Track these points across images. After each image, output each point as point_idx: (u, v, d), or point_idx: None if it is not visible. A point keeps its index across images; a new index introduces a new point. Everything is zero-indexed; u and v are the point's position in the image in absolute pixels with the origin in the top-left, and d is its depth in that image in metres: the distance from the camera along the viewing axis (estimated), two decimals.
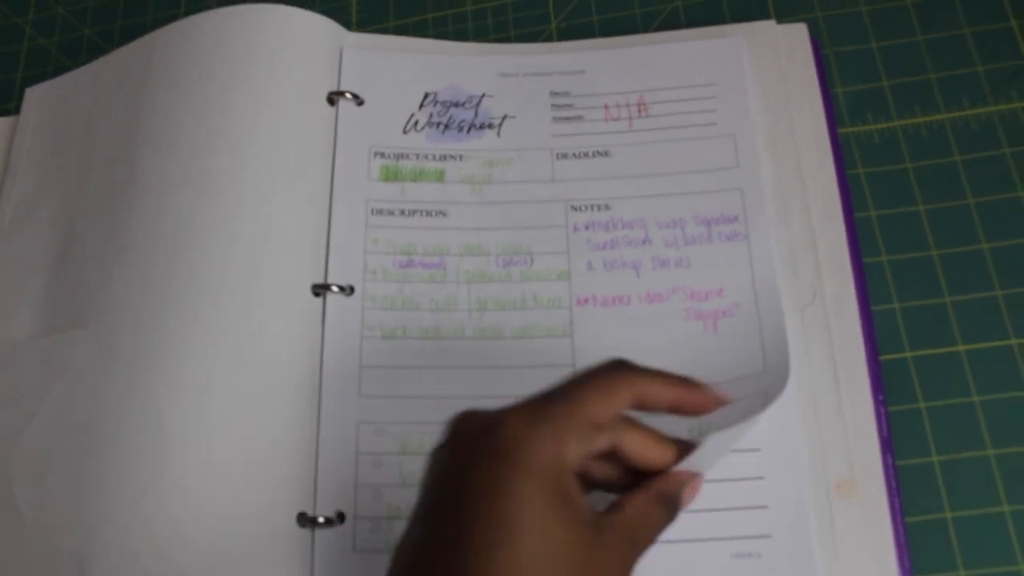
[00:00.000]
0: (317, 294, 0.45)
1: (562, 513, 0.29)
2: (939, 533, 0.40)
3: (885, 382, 0.43)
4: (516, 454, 0.29)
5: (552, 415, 0.30)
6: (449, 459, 0.31)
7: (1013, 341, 0.43)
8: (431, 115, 0.50)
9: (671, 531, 0.39)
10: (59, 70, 0.59)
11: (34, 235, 0.50)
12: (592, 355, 0.43)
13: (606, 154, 0.48)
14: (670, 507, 0.33)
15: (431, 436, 0.41)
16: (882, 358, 0.43)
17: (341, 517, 0.41)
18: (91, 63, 0.55)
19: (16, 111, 0.58)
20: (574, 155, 0.48)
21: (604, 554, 0.30)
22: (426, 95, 0.50)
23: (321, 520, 0.41)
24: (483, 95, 0.50)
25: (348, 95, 0.49)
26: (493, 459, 0.29)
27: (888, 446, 0.41)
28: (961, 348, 0.43)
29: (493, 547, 0.28)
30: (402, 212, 0.47)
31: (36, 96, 0.55)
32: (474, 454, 0.30)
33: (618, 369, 0.33)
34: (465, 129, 0.49)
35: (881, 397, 0.42)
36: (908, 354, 0.44)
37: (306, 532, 0.41)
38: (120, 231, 0.46)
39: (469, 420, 0.31)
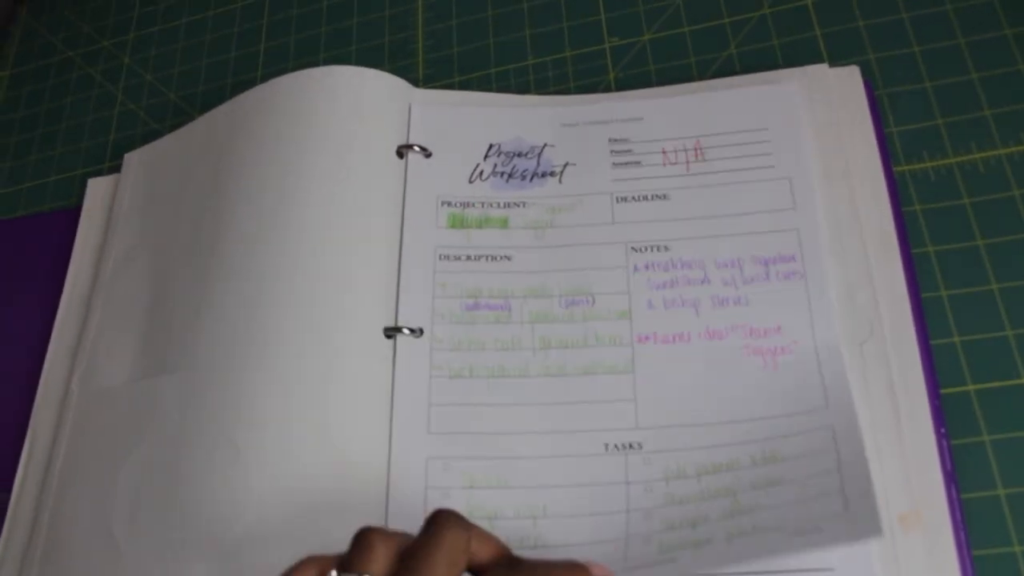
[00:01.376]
0: (389, 336, 0.47)
1: None
2: (1007, 567, 0.40)
3: (947, 415, 0.43)
4: None
5: None
6: None
7: None
8: (495, 165, 0.52)
9: (733, 561, 0.40)
10: (148, 133, 0.63)
11: (131, 287, 0.53)
12: (653, 390, 0.44)
13: (664, 197, 0.49)
14: None
15: (497, 470, 0.43)
16: (943, 391, 0.44)
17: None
18: (182, 128, 0.59)
19: (110, 171, 0.62)
20: (633, 199, 0.50)
21: None
22: (491, 146, 0.52)
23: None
24: (545, 145, 0.52)
25: (416, 148, 0.52)
26: None
27: (952, 479, 0.41)
28: None
29: None
30: (468, 257, 0.49)
31: (134, 159, 0.60)
32: None
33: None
34: (528, 177, 0.51)
35: (943, 430, 0.42)
36: (970, 387, 0.44)
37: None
38: (206, 282, 0.49)
39: None
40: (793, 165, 0.49)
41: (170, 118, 0.65)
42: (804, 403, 0.43)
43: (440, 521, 0.33)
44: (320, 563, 0.32)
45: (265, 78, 0.64)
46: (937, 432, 0.42)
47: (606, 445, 0.44)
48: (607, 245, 0.49)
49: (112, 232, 0.57)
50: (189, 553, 0.43)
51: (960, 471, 0.42)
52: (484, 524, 0.34)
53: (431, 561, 0.31)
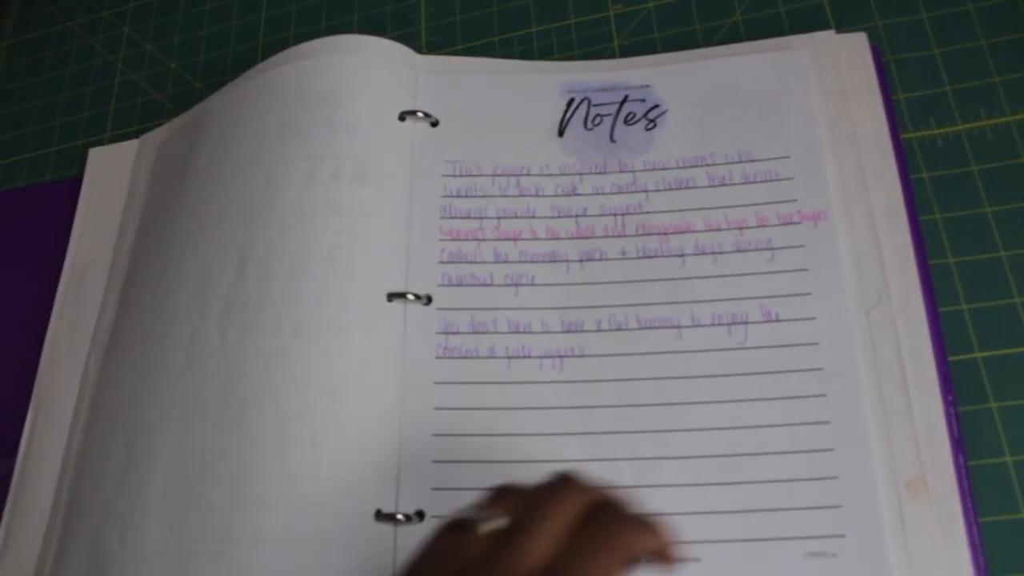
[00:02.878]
0: (391, 301, 0.47)
1: None
2: (1015, 533, 0.40)
3: (955, 383, 0.43)
4: None
5: None
6: None
7: None
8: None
9: (745, 530, 0.40)
10: (148, 102, 0.63)
11: (148, 268, 0.53)
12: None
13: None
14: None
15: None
16: (951, 359, 0.44)
17: (420, 515, 0.43)
18: (195, 107, 0.59)
19: (111, 141, 0.62)
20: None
21: None
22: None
23: (400, 517, 0.42)
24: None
25: (420, 114, 0.51)
26: None
27: (959, 446, 0.41)
28: None
29: None
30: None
31: (149, 140, 0.60)
32: None
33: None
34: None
35: (951, 397, 0.42)
36: (978, 355, 0.44)
37: (387, 527, 0.42)
38: (218, 249, 0.49)
39: None
40: (802, 132, 0.48)
41: (171, 88, 0.64)
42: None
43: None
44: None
45: (266, 47, 0.64)
46: (945, 399, 0.42)
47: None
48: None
49: (128, 214, 0.57)
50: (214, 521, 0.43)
51: (967, 438, 0.42)
52: None
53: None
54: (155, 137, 0.60)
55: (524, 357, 0.46)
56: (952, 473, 0.41)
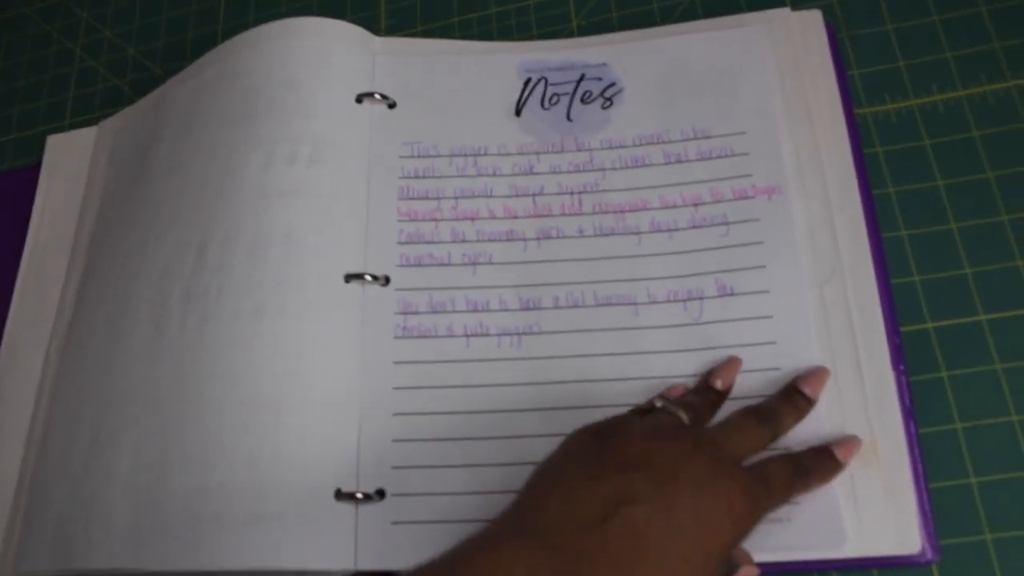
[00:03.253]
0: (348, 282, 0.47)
1: None
2: (964, 498, 0.41)
3: (907, 353, 0.44)
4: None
5: None
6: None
7: None
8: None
9: None
10: (108, 89, 0.63)
11: (106, 257, 0.53)
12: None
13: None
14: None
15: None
16: (903, 329, 0.44)
17: (381, 494, 0.43)
18: (153, 92, 0.58)
19: (71, 127, 0.62)
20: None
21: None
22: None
23: (360, 496, 0.43)
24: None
25: (378, 96, 0.51)
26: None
27: (910, 414, 0.42)
28: (982, 318, 0.44)
29: None
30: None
31: (107, 127, 0.59)
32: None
33: None
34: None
35: (902, 367, 0.43)
36: (929, 325, 0.44)
37: (348, 506, 0.43)
38: (175, 234, 0.49)
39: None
40: (757, 108, 0.49)
41: (130, 73, 0.64)
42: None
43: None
44: None
45: (226, 31, 0.63)
46: (896, 369, 0.43)
47: None
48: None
49: (87, 201, 0.57)
50: (176, 503, 0.43)
51: (919, 406, 0.43)
52: None
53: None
54: (114, 123, 0.59)
55: (482, 335, 0.46)
56: (903, 441, 0.41)
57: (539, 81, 0.52)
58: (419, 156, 0.50)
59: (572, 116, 0.51)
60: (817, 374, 0.42)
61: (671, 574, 0.33)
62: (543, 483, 0.37)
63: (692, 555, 0.34)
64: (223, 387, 0.45)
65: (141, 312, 0.48)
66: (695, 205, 0.47)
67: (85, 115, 0.63)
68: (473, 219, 0.49)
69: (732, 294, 0.45)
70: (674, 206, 0.47)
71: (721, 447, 0.38)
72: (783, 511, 0.40)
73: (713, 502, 0.35)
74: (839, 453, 0.40)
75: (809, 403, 0.42)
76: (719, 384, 0.42)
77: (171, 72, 0.61)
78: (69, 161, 0.60)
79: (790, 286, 0.44)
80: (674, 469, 0.35)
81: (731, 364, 0.43)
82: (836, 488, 0.40)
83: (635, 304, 0.45)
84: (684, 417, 0.39)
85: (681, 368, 0.44)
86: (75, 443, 0.47)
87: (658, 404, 0.40)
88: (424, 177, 0.50)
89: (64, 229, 0.57)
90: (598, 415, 0.40)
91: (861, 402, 0.42)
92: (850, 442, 0.41)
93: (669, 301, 0.45)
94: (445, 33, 0.58)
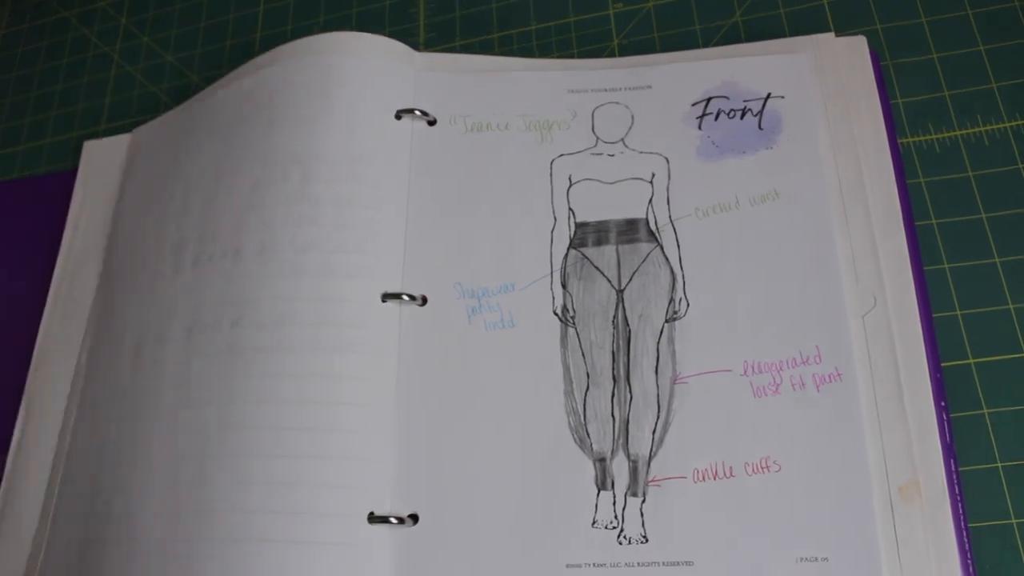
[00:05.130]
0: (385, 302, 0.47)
1: None
2: (1003, 539, 0.41)
3: (948, 388, 0.43)
4: None
5: None
6: None
7: None
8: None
9: (736, 533, 0.40)
10: (145, 95, 0.63)
11: (137, 266, 0.53)
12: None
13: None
14: None
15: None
16: (944, 364, 0.44)
17: (415, 518, 0.43)
18: (188, 101, 0.58)
19: (106, 133, 0.62)
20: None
21: None
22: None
23: (394, 520, 0.43)
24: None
25: (418, 112, 0.51)
26: None
27: (951, 452, 0.41)
28: None
29: None
30: None
31: (142, 134, 0.59)
32: None
33: None
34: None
35: (944, 403, 0.42)
36: (971, 361, 0.44)
37: (381, 529, 0.43)
38: (212, 248, 0.49)
39: None
40: (804, 135, 0.48)
41: (167, 80, 0.64)
42: None
43: None
44: None
45: (264, 40, 0.63)
46: (937, 405, 0.42)
47: None
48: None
49: (119, 209, 0.57)
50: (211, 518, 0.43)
51: (959, 443, 0.42)
52: None
53: None
54: (149, 130, 0.59)
55: None
56: (943, 478, 0.41)
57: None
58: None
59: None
60: None
61: None
62: None
63: None
64: (259, 411, 0.44)
65: (174, 327, 0.48)
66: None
67: (121, 120, 0.63)
68: None
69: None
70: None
71: None
72: (820, 549, 0.39)
73: None
74: None
75: None
76: None
77: (208, 80, 0.61)
78: (105, 167, 0.60)
79: (832, 316, 0.44)
80: None
81: None
82: (876, 525, 0.40)
83: None
84: None
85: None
86: (104, 456, 0.47)
87: None
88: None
89: (99, 235, 0.57)
90: None
91: (904, 437, 0.41)
92: None
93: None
94: (485, 48, 0.58)
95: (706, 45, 0.54)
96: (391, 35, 0.57)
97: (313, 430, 0.44)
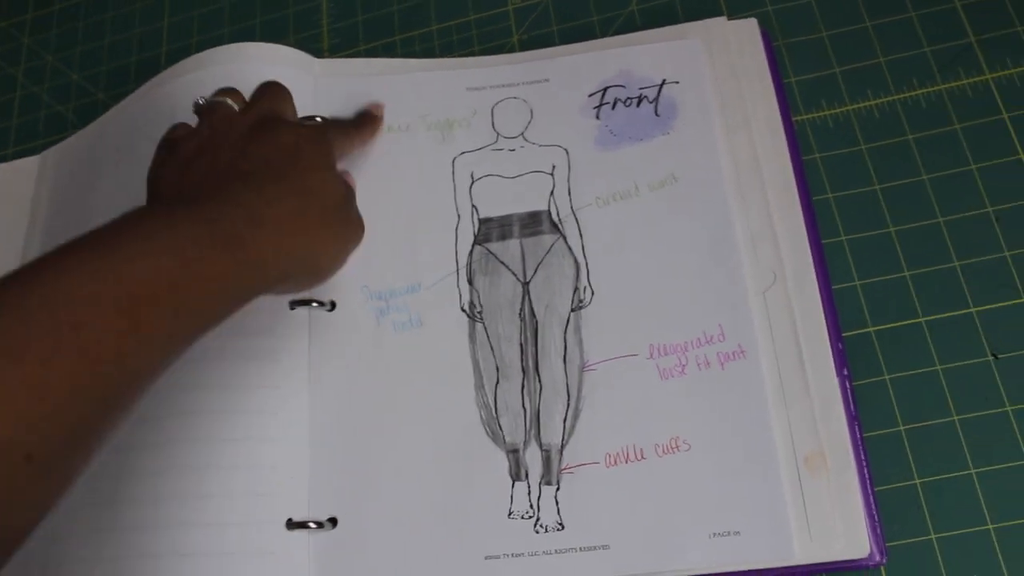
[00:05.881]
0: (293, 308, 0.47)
1: None
2: (910, 500, 0.42)
3: (850, 357, 0.44)
4: None
5: None
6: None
7: (972, 309, 0.44)
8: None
9: (650, 514, 0.41)
10: (52, 115, 0.62)
11: None
12: None
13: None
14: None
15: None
16: (846, 334, 0.45)
17: (333, 522, 0.43)
18: (95, 122, 0.58)
19: (15, 156, 0.61)
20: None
21: None
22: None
23: (312, 525, 0.43)
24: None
25: (319, 119, 0.51)
26: None
27: (855, 419, 0.42)
28: (922, 320, 0.45)
29: None
30: None
31: (49, 158, 0.59)
32: None
33: None
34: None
35: (846, 372, 0.43)
36: (871, 329, 0.45)
37: (299, 535, 0.43)
38: None
39: None
40: (699, 119, 0.49)
41: (74, 100, 0.63)
42: None
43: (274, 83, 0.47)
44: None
45: (169, 54, 0.63)
46: (840, 374, 0.43)
47: None
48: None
49: (31, 232, 0.56)
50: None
51: (863, 410, 0.43)
52: None
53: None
54: (57, 153, 0.59)
55: None
56: (849, 446, 0.42)
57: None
58: None
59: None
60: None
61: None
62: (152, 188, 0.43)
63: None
64: (173, 425, 0.44)
65: None
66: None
67: (30, 143, 0.63)
68: None
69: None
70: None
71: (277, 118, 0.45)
72: (732, 524, 0.40)
73: (288, 138, 0.43)
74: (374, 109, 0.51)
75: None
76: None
77: (115, 97, 0.60)
78: (13, 192, 0.59)
79: (734, 294, 0.45)
80: (238, 134, 0.43)
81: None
82: (784, 496, 0.41)
83: None
84: (232, 103, 0.45)
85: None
86: None
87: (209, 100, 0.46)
88: None
89: (7, 262, 0.56)
90: None
91: (808, 410, 0.42)
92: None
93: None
94: (388, 51, 0.58)
95: (604, 35, 0.55)
96: (296, 42, 0.57)
97: (227, 440, 0.44)
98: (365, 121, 0.51)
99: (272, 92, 0.46)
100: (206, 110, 0.45)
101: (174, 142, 0.44)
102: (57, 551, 0.44)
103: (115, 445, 0.44)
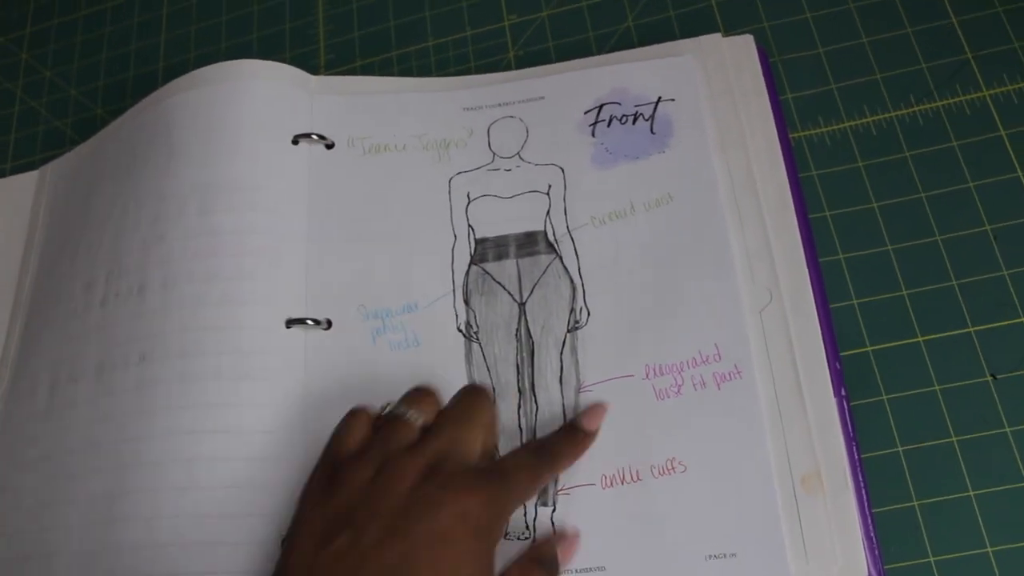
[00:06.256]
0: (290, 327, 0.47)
1: None
2: (908, 522, 0.41)
3: (847, 376, 0.44)
4: None
5: None
6: None
7: (971, 328, 0.44)
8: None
9: (646, 536, 0.41)
10: (50, 131, 0.62)
11: (50, 301, 0.53)
12: None
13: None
14: (547, 568, 0.40)
15: None
16: (843, 353, 0.45)
17: None
18: (94, 137, 0.58)
19: (13, 172, 0.61)
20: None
21: None
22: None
23: None
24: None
25: (315, 136, 0.51)
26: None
27: (852, 440, 0.42)
28: (920, 339, 0.45)
29: None
30: None
31: (48, 171, 0.59)
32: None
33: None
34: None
35: (844, 392, 0.43)
36: (869, 348, 0.45)
37: None
38: (117, 284, 0.49)
39: None
40: (694, 137, 0.49)
41: (72, 115, 0.63)
42: None
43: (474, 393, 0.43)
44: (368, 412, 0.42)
45: (167, 69, 0.63)
46: (837, 394, 0.43)
47: None
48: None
49: (29, 247, 0.56)
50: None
51: (860, 430, 0.43)
52: None
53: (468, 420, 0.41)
54: (55, 168, 0.59)
55: None
56: (846, 467, 0.41)
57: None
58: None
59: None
60: (594, 408, 0.43)
61: None
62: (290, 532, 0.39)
63: None
64: (167, 446, 0.44)
65: (85, 365, 0.48)
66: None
67: (27, 157, 0.63)
68: None
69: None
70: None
71: (453, 461, 0.39)
72: (727, 545, 0.40)
73: (446, 521, 0.37)
74: (585, 423, 0.43)
75: (588, 436, 0.43)
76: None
77: (113, 113, 0.60)
78: (11, 207, 0.59)
79: (729, 313, 0.45)
80: (396, 500, 0.37)
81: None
82: (780, 517, 0.41)
83: None
84: (416, 417, 0.41)
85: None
86: (22, 499, 0.47)
87: (392, 411, 0.42)
88: None
89: (6, 276, 0.56)
90: None
91: (804, 428, 0.42)
92: (593, 410, 0.43)
93: None
94: (384, 67, 0.58)
95: (600, 51, 0.55)
96: (292, 59, 0.57)
97: (222, 460, 0.44)
98: (579, 440, 0.43)
99: (457, 416, 0.42)
100: (386, 422, 0.41)
101: (340, 462, 0.40)
102: (53, 572, 0.44)
103: (112, 466, 0.44)
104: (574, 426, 0.43)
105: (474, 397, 0.42)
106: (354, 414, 0.42)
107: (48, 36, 0.68)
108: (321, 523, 0.38)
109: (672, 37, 0.53)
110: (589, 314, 0.46)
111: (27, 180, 0.60)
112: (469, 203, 0.49)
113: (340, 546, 0.36)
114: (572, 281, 0.47)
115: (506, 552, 0.42)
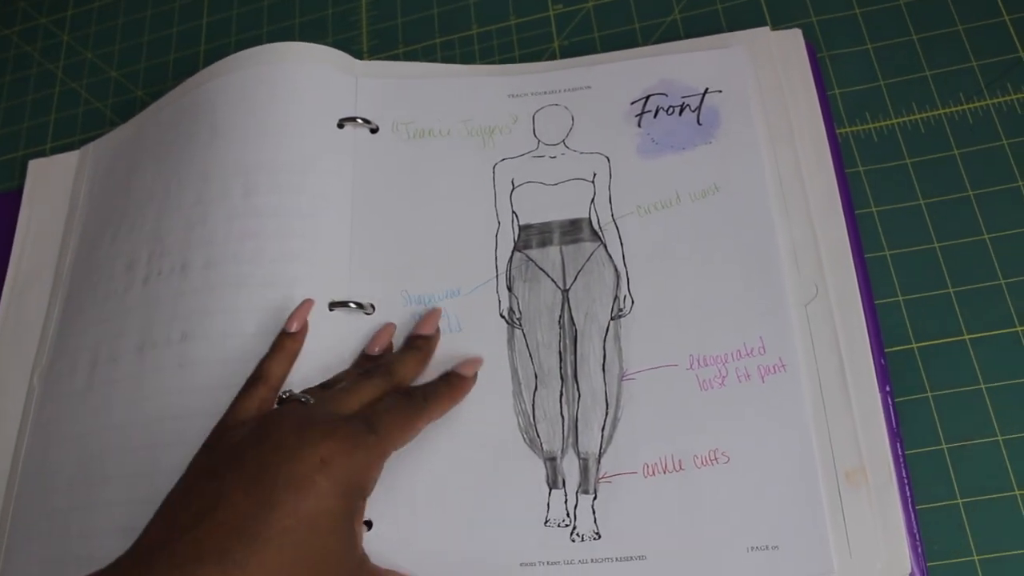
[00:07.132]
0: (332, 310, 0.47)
1: None
2: (951, 519, 0.41)
3: (892, 373, 0.44)
4: None
5: None
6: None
7: (1018, 328, 0.44)
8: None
9: (688, 526, 0.40)
10: (90, 111, 0.62)
11: (91, 282, 0.53)
12: None
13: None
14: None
15: None
16: (888, 350, 0.44)
17: (368, 524, 0.43)
18: (135, 117, 0.58)
19: (52, 152, 0.61)
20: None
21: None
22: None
23: None
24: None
25: (360, 120, 0.51)
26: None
27: (897, 436, 0.42)
28: (966, 337, 0.44)
29: None
30: None
31: (90, 151, 0.59)
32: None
33: None
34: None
35: (888, 388, 0.43)
36: (914, 345, 0.45)
37: None
38: (162, 264, 0.49)
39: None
40: (742, 129, 0.49)
41: (112, 96, 0.64)
42: None
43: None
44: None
45: (207, 53, 0.63)
46: (882, 390, 0.43)
47: None
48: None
49: (69, 227, 0.57)
50: None
51: (904, 427, 0.43)
52: None
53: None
54: (96, 148, 0.59)
55: None
56: (890, 462, 0.41)
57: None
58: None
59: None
60: (427, 316, 0.46)
61: (280, 547, 0.35)
62: (164, 502, 0.39)
63: (293, 525, 0.35)
64: (208, 424, 0.44)
65: (126, 343, 0.48)
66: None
67: (67, 138, 0.63)
68: None
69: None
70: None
71: (319, 408, 0.40)
72: (767, 537, 0.40)
73: (300, 466, 0.36)
74: (462, 368, 0.44)
75: (464, 380, 0.44)
76: (375, 350, 0.45)
77: (153, 95, 0.61)
78: (51, 186, 0.59)
79: (775, 307, 0.44)
80: (259, 453, 0.37)
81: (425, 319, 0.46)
82: (824, 511, 0.40)
83: None
84: (304, 398, 0.41)
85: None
86: (59, 476, 0.47)
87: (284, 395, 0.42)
88: None
89: (47, 255, 0.56)
90: None
91: (849, 423, 0.42)
92: (471, 360, 0.45)
93: None
94: (427, 53, 0.58)
95: (645, 43, 0.54)
96: (335, 43, 0.57)
97: None
98: (455, 383, 0.44)
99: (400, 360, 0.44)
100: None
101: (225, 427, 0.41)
102: (93, 547, 0.44)
103: (153, 443, 0.44)
104: (450, 372, 0.44)
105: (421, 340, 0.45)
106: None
107: (90, 18, 0.68)
108: (192, 478, 0.39)
109: (718, 30, 0.53)
110: (633, 302, 0.46)
111: (68, 160, 0.60)
112: (513, 189, 0.49)
113: (205, 493, 0.37)
114: (616, 269, 0.47)
115: (548, 538, 0.42)
